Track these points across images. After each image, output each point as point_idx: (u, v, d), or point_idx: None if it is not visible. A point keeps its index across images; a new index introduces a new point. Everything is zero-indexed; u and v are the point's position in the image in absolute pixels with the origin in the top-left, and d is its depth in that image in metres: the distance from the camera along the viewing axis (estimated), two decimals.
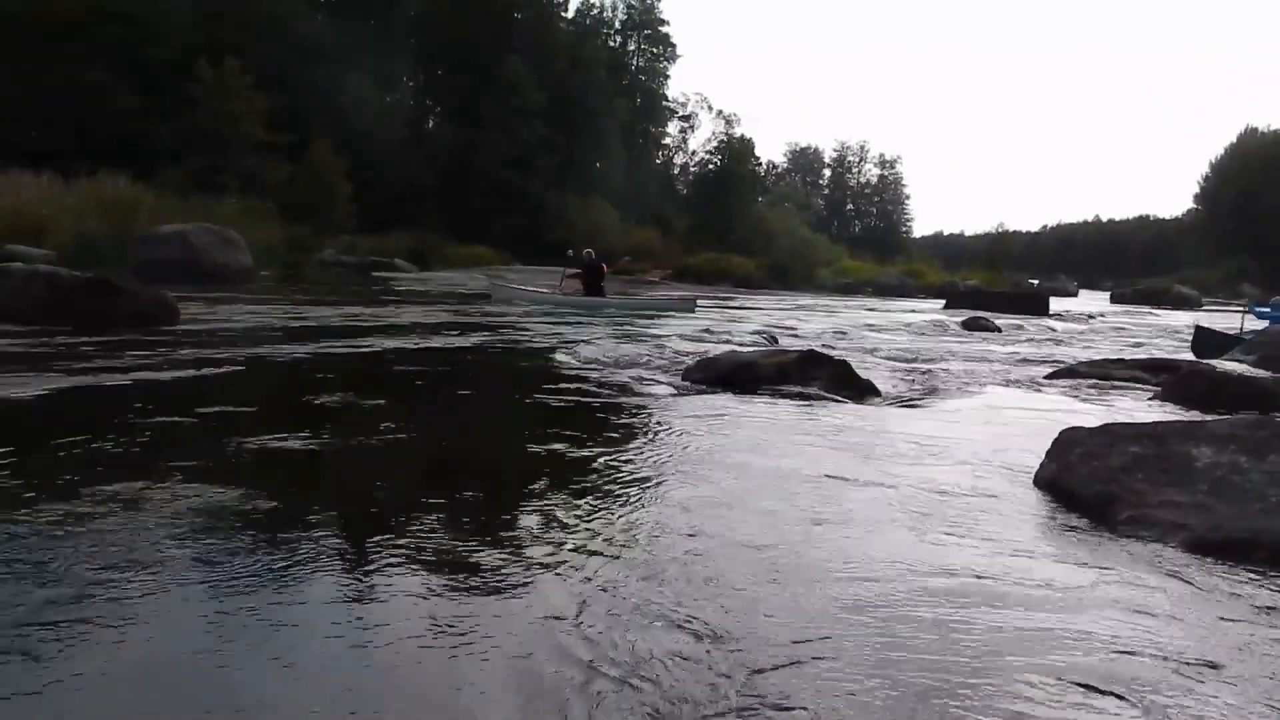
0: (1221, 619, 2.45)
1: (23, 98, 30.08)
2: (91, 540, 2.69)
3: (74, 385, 5.46)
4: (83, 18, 31.87)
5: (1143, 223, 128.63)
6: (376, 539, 2.88)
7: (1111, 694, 1.97)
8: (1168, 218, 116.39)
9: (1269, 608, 2.54)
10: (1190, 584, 2.71)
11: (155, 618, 2.20)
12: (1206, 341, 13.31)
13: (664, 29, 68.94)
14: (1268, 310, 14.18)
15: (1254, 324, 14.60)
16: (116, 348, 7.18)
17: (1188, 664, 2.15)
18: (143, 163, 28.26)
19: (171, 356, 6.88)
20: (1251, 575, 2.79)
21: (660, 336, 11.45)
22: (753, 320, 16.57)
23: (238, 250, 19.53)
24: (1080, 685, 2.00)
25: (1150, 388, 7.46)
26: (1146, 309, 34.53)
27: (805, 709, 1.88)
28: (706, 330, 12.86)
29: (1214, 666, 2.14)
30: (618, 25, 68.47)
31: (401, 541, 2.85)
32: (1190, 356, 12.76)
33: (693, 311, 17.74)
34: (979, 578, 2.68)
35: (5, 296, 8.55)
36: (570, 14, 62.93)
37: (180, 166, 30.66)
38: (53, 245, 18.99)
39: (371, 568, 2.62)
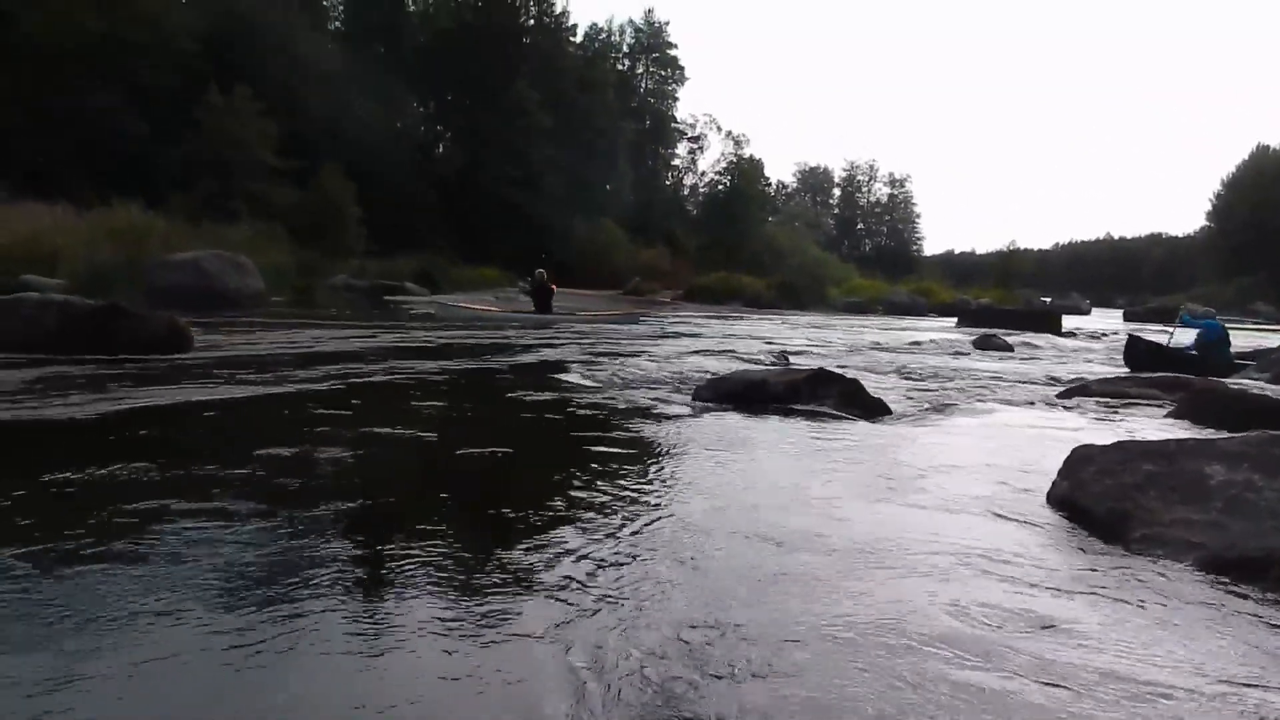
0: (1236, 638, 2.42)
1: (34, 127, 30.36)
2: (106, 559, 2.69)
3: (88, 412, 5.48)
4: (93, 46, 32.19)
5: (1155, 240, 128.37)
6: (392, 559, 2.88)
7: (1124, 711, 1.94)
8: (1180, 235, 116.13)
9: None
10: (1204, 603, 2.68)
11: (171, 635, 2.20)
12: (1138, 353, 13.19)
13: (672, 52, 69.40)
14: (1198, 322, 13.93)
15: (1183, 335, 14.41)
16: (130, 374, 7.22)
17: (1201, 684, 2.12)
18: (153, 189, 28.47)
19: (185, 382, 6.91)
20: (1266, 594, 2.76)
21: (671, 356, 11.46)
22: (763, 339, 16.57)
23: (249, 275, 19.69)
24: (1091, 703, 1.98)
25: (1164, 405, 7.41)
26: (1159, 327, 34.27)
27: None
28: (717, 349, 12.87)
29: (1229, 685, 2.12)
30: (626, 49, 68.98)
31: (416, 561, 2.85)
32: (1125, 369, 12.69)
33: (637, 323, 19.51)
34: (989, 595, 2.66)
35: (20, 325, 8.59)
36: (579, 38, 63.43)
37: (191, 192, 30.88)
38: (65, 274, 19.14)
39: (388, 588, 2.62)
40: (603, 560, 2.95)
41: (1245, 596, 2.75)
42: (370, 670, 2.10)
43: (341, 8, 51.23)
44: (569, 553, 3.02)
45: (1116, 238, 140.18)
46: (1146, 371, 11.73)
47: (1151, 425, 6.49)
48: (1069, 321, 30.94)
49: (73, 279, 18.57)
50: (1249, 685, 2.14)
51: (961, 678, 2.11)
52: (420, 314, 19.54)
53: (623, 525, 3.40)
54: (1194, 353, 13.10)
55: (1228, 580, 2.87)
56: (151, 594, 2.48)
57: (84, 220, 23.25)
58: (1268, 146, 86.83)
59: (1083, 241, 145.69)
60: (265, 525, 3.19)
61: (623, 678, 2.09)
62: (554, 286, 19.49)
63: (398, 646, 2.23)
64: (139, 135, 32.82)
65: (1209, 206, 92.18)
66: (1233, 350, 13.42)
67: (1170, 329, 14.85)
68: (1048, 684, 2.08)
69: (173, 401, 6.01)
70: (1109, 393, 8.16)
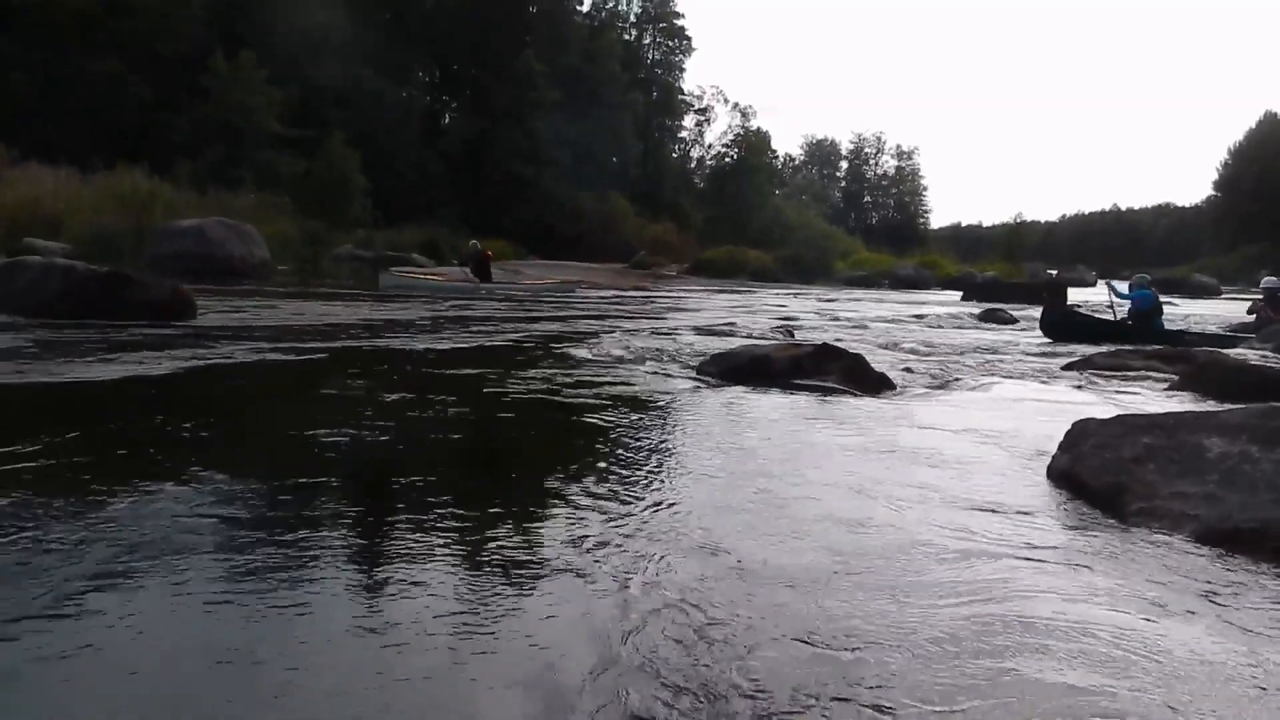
0: (1226, 610, 2.42)
1: (39, 92, 30.25)
2: (106, 531, 2.71)
3: (88, 378, 5.50)
4: (97, 11, 32.02)
5: (1161, 211, 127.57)
6: (395, 530, 2.89)
7: (1108, 685, 1.95)
8: (1187, 205, 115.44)
9: (1274, 599, 2.52)
10: (1196, 575, 2.69)
11: (168, 610, 2.20)
12: (1054, 322, 12.81)
13: (679, 22, 68.81)
14: (1136, 293, 13.48)
15: (1118, 303, 14.00)
16: (132, 341, 7.24)
17: (1187, 655, 2.13)
18: (159, 156, 28.44)
19: (187, 349, 6.94)
20: (1259, 566, 2.76)
21: (676, 330, 11.47)
22: (768, 313, 16.56)
23: (254, 244, 19.67)
24: (1077, 674, 1.99)
25: (1167, 378, 7.40)
26: (1165, 299, 34.04)
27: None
28: (721, 324, 12.87)
29: (1213, 659, 2.12)
30: (633, 19, 68.39)
31: (420, 533, 2.86)
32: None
33: (574, 292, 21.06)
34: (987, 567, 2.67)
35: (22, 289, 8.64)
36: (585, 7, 62.96)
37: (196, 160, 30.82)
38: (69, 238, 19.15)
39: (391, 560, 2.62)
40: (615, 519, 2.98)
41: (1236, 568, 2.75)
42: (399, 589, 2.12)
43: None
44: (565, 537, 3.04)
45: (1124, 209, 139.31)
46: (1065, 340, 11.65)
47: (1154, 398, 6.48)
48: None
49: (77, 243, 18.57)
50: (1233, 651, 2.14)
51: (934, 642, 2.12)
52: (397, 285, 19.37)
53: (620, 504, 3.41)
54: (1128, 321, 12.95)
55: (1222, 552, 2.87)
56: (151, 558, 2.50)
57: (88, 185, 23.22)
58: (1275, 114, 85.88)
59: (1089, 213, 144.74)
60: (261, 493, 3.21)
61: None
62: (489, 254, 20.80)
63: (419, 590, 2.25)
64: (145, 102, 32.72)
65: (1216, 176, 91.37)
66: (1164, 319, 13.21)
67: (1115, 292, 14.39)
68: (1027, 650, 2.10)
69: (173, 369, 6.03)
70: (1112, 366, 8.14)
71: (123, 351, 6.61)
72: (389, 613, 2.24)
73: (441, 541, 2.77)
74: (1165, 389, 6.92)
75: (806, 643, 2.14)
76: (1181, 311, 22.91)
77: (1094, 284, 55.99)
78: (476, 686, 1.91)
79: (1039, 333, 12.80)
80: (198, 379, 5.81)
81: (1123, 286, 13.96)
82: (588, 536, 2.86)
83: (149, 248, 18.25)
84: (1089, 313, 13.69)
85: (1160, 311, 12.94)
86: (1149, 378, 7.54)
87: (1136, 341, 11.21)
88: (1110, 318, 13.44)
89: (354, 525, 2.93)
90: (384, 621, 2.18)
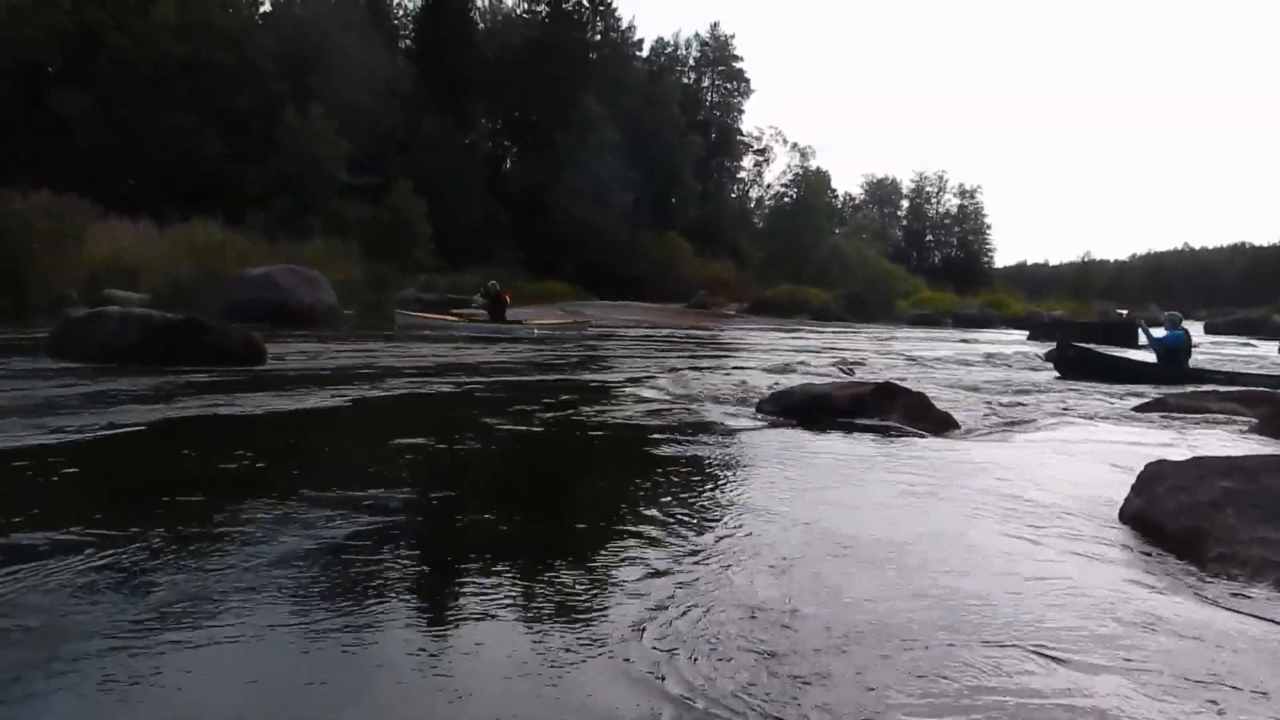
0: None
1: (120, 148, 31.41)
2: (184, 564, 2.77)
3: (164, 419, 5.67)
4: (175, 68, 33.32)
5: (1237, 250, 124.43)
6: (463, 567, 2.95)
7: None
8: (1264, 245, 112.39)
9: None
10: None
11: (243, 641, 2.25)
12: (1069, 359, 12.28)
13: (738, 64, 69.18)
14: (1171, 333, 12.91)
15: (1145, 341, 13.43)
16: (206, 386, 7.43)
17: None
18: (232, 207, 29.31)
19: (258, 394, 7.08)
20: None
21: (735, 369, 11.43)
22: (829, 352, 16.42)
23: (321, 290, 20.07)
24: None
25: (1246, 420, 7.16)
26: (1242, 339, 33.00)
27: None
28: (782, 362, 12.80)
29: None
30: (692, 62, 68.97)
31: (485, 569, 2.91)
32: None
33: (585, 331, 21.37)
34: (1060, 614, 2.59)
35: (102, 338, 8.94)
36: (645, 53, 63.72)
37: (268, 209, 31.71)
38: (147, 288, 19.76)
39: (459, 598, 2.66)
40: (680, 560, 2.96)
41: None
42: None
43: (412, 26, 52.25)
44: (628, 577, 3.03)
45: (1197, 247, 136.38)
46: (1082, 379, 11.29)
47: (1231, 441, 6.27)
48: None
49: (154, 293, 19.17)
50: None
51: (1010, 695, 2.06)
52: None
53: (680, 544, 3.38)
54: (1153, 360, 12.56)
55: None
56: (228, 591, 2.55)
57: (165, 236, 24.02)
58: None
59: (1161, 252, 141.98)
60: (330, 532, 3.25)
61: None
62: (507, 298, 20.77)
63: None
64: (218, 154, 33.84)
65: None
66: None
67: (1148, 333, 13.87)
68: (1109, 703, 2.02)
69: (245, 411, 6.17)
70: (1188, 407, 7.90)
71: (197, 396, 6.80)
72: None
73: (552, 542, 3.04)
74: (1244, 432, 6.69)
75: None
76: (1259, 353, 22.21)
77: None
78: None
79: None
80: (269, 423, 5.94)
81: (1159, 331, 13.49)
82: (698, 528, 3.28)
83: (222, 296, 18.72)
84: (1108, 351, 13.29)
85: (1190, 352, 12.57)
86: (1227, 421, 7.31)
87: (1159, 380, 10.96)
88: (1132, 355, 13.07)
89: (409, 570, 2.96)
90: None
